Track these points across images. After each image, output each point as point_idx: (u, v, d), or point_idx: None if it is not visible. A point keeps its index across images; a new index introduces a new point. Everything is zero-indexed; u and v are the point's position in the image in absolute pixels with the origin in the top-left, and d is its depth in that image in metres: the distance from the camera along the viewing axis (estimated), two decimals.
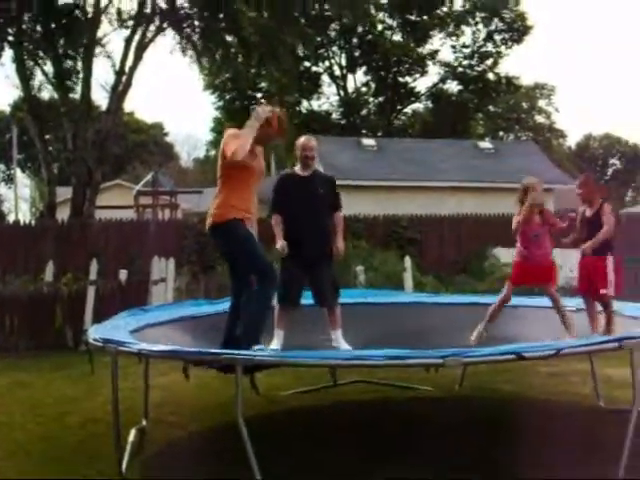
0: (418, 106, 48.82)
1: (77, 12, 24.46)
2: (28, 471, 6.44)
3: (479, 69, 45.67)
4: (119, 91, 23.57)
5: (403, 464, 6.36)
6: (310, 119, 43.87)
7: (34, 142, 25.05)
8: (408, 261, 16.53)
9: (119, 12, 24.83)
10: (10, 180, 54.41)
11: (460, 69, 45.83)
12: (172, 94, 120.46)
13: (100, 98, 37.50)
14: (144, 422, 7.48)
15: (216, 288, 15.08)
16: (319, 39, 42.13)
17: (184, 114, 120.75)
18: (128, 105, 57.48)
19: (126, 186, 42.83)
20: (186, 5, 25.12)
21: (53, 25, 23.97)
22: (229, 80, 40.89)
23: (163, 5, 24.49)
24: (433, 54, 45.74)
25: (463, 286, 18.03)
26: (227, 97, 44.78)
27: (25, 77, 24.00)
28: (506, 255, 20.21)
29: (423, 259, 20.71)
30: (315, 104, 47.46)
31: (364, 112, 47.11)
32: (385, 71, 45.07)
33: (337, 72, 46.47)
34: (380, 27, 45.37)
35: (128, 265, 16.82)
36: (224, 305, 7.73)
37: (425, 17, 44.02)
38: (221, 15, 24.74)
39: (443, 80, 46.71)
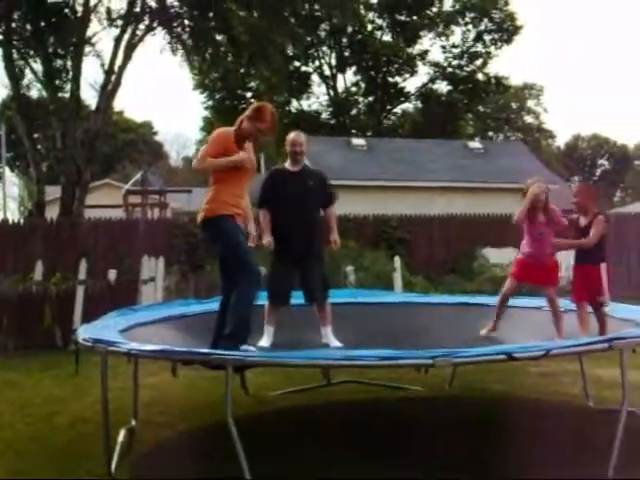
0: (408, 106, 48.97)
1: (67, 11, 24.41)
2: (17, 471, 6.41)
3: (468, 69, 45.81)
4: (108, 90, 23.51)
5: (393, 464, 6.36)
6: (300, 119, 43.85)
7: (23, 141, 24.96)
8: (398, 261, 16.54)
9: (108, 11, 24.80)
10: None
11: (450, 69, 45.94)
12: (161, 93, 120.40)
13: (89, 97, 37.30)
14: (133, 422, 7.45)
15: (206, 287, 15.06)
16: (309, 39, 42.15)
17: (173, 113, 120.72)
18: (117, 104, 57.42)
19: (115, 185, 42.73)
20: (176, 4, 25.08)
21: (43, 24, 23.90)
22: (219, 79, 40.83)
23: (153, 4, 24.45)
24: (423, 54, 45.84)
25: (452, 286, 18.06)
26: (217, 96, 44.74)
27: (14, 76, 23.91)
28: (495, 255, 20.29)
29: (412, 259, 20.71)
30: (305, 104, 47.57)
31: (354, 112, 47.16)
32: (375, 71, 45.12)
33: (327, 72, 46.54)
34: (370, 27, 45.46)
35: (117, 264, 16.77)
36: (213, 304, 7.71)
37: (415, 17, 44.10)
38: (211, 14, 24.71)
39: (433, 80, 46.84)
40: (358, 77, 46.74)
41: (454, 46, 45.49)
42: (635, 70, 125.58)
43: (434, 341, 6.89)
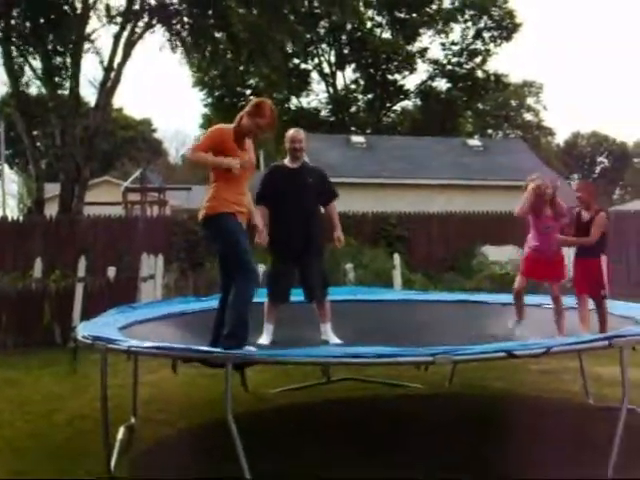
0: (407, 104, 48.98)
1: (66, 8, 24.37)
2: (16, 469, 6.40)
3: (468, 67, 45.82)
4: (108, 87, 23.50)
5: (393, 462, 6.35)
6: (299, 116, 43.83)
7: (22, 138, 24.93)
8: (397, 259, 16.53)
9: (108, 8, 24.76)
10: None
11: (449, 67, 45.95)
12: (161, 90, 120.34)
13: (89, 94, 37.33)
14: (133, 420, 7.45)
15: (205, 285, 15.05)
16: (308, 36, 42.14)
17: (173, 110, 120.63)
18: (117, 101, 57.38)
19: (114, 182, 42.67)
20: (175, 1, 25.05)
21: (42, 21, 23.88)
22: (218, 77, 40.82)
23: (152, 1, 24.42)
24: (422, 52, 45.82)
25: (451, 284, 18.05)
26: (216, 94, 44.72)
27: (13, 73, 23.89)
28: (494, 253, 20.28)
29: (412, 257, 20.70)
30: (304, 101, 47.56)
31: (353, 109, 47.18)
32: (374, 68, 45.11)
33: (326, 69, 46.53)
34: (369, 24, 45.47)
35: (117, 262, 16.76)
36: (213, 302, 7.69)
37: (414, 14, 44.08)
38: (210, 12, 24.68)
39: (432, 78, 46.83)
40: (357, 74, 46.74)
41: (453, 43, 45.52)
42: (635, 68, 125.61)
43: (434, 338, 6.89)
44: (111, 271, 15.27)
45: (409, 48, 45.25)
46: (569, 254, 8.35)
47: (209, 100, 45.62)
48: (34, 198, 25.03)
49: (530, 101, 65.99)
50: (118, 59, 23.44)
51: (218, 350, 5.92)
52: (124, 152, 58.00)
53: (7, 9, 23.07)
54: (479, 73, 45.94)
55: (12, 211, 50.95)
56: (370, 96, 47.11)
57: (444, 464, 6.23)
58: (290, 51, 40.49)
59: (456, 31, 45.30)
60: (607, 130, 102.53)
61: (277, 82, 32.39)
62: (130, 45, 23.66)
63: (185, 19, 25.30)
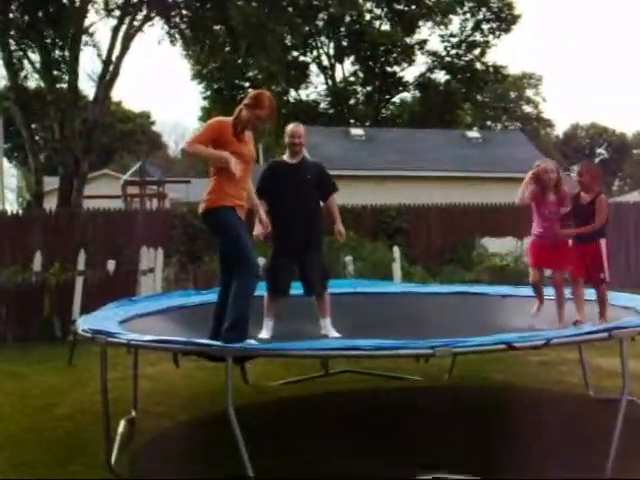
0: (406, 96, 48.92)
1: (64, 1, 24.35)
2: (17, 463, 6.40)
3: (467, 58, 45.77)
4: (106, 80, 23.50)
5: (393, 454, 6.36)
6: (298, 109, 43.82)
7: (20, 131, 24.93)
8: (397, 251, 16.52)
9: (106, 1, 24.73)
10: None
11: (448, 58, 45.89)
12: (159, 83, 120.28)
13: (87, 87, 37.37)
14: (133, 413, 7.46)
15: (205, 278, 15.06)
16: (307, 29, 42.10)
17: (171, 103, 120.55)
18: (115, 94, 57.32)
19: (114, 176, 42.66)
20: None
21: (40, 14, 23.85)
22: (217, 69, 40.81)
23: None
24: (421, 43, 45.73)
25: (451, 276, 18.06)
26: (215, 86, 44.69)
27: (12, 66, 23.87)
28: (494, 245, 20.28)
29: (411, 249, 20.71)
30: (303, 94, 47.49)
31: (352, 102, 47.13)
32: (373, 61, 45.06)
33: (325, 62, 46.48)
34: (368, 17, 45.42)
35: (116, 255, 16.76)
36: (213, 295, 7.69)
37: (413, 6, 44.00)
38: (208, 4, 24.66)
39: (431, 70, 46.77)
40: (356, 67, 46.69)
41: (452, 35, 45.43)
42: (634, 59, 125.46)
43: (434, 331, 6.88)
44: (111, 264, 15.27)
45: (408, 40, 45.18)
46: None
47: (208, 93, 45.62)
48: (33, 192, 25.03)
49: (529, 93, 65.99)
50: (117, 52, 23.46)
51: (218, 343, 5.92)
52: (123, 145, 57.94)
53: (5, 3, 23.04)
54: (478, 65, 45.88)
55: (11, 205, 50.92)
56: (369, 88, 47.06)
57: (444, 456, 6.23)
58: (289, 44, 40.45)
59: (455, 23, 45.29)
60: (606, 121, 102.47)
61: (276, 74, 32.37)
62: (128, 38, 23.65)
63: (184, 12, 25.27)
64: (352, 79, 47.34)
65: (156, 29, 25.38)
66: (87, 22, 24.29)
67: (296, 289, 8.08)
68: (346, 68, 47.03)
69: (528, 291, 8.61)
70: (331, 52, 46.15)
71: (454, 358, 8.44)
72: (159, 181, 32.80)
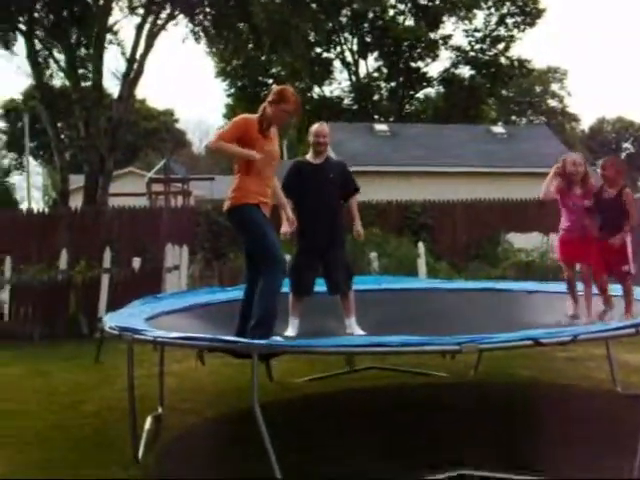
0: (430, 91, 48.77)
1: (89, 0, 24.47)
2: (44, 459, 6.44)
3: (491, 53, 45.58)
4: (130, 78, 23.59)
5: (419, 451, 6.34)
6: (322, 105, 43.80)
7: (46, 130, 25.10)
8: (422, 247, 16.49)
9: None
10: (22, 168, 54.54)
11: (472, 53, 45.72)
12: (183, 81, 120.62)
13: (112, 85, 37.53)
14: (160, 409, 7.47)
15: (230, 275, 15.08)
16: (330, 25, 42.06)
17: (195, 101, 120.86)
18: (140, 92, 57.50)
19: (138, 173, 42.85)
20: None
21: (65, 14, 23.98)
22: (241, 66, 40.87)
23: None
24: (445, 39, 45.57)
25: (477, 272, 17.98)
26: (239, 84, 44.75)
27: (37, 65, 24.03)
28: (520, 241, 20.17)
29: (436, 245, 20.67)
30: (327, 90, 47.44)
31: (376, 97, 47.02)
32: (397, 56, 44.94)
33: (349, 58, 46.37)
34: (391, 12, 45.29)
35: (141, 253, 16.82)
36: (238, 292, 7.71)
37: (437, 1, 43.86)
38: (232, 2, 24.69)
39: (455, 65, 46.61)
40: (380, 62, 46.59)
41: (476, 30, 45.24)
42: None
43: (459, 327, 6.84)
44: (136, 262, 15.33)
45: (432, 35, 45.03)
46: None
47: (232, 90, 45.69)
48: (59, 190, 25.23)
49: (554, 87, 65.69)
50: (141, 50, 23.56)
51: (244, 340, 5.93)
52: (148, 143, 58.19)
53: (31, 3, 23.17)
54: (502, 59, 45.67)
55: (37, 203, 51.46)
56: (393, 84, 46.95)
57: (470, 453, 6.20)
58: (312, 40, 40.44)
59: (479, 17, 45.10)
60: (633, 116, 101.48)
61: (300, 71, 32.38)
62: (152, 36, 23.75)
63: (207, 10, 25.32)
64: (376, 75, 47.26)
65: (180, 27, 25.44)
66: (111, 20, 24.47)
67: (321, 286, 8.08)
68: (370, 64, 47.01)
69: (555, 287, 8.58)
70: (355, 48, 46.08)
71: (480, 354, 8.41)
72: (184, 179, 32.90)
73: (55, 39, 24.60)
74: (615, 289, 7.63)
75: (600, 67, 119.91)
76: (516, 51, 48.13)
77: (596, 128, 79.40)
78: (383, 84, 47.51)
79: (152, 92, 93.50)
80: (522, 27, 44.51)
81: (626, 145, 79.60)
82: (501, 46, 45.39)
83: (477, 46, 45.60)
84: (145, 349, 7.31)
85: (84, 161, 24.41)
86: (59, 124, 28.76)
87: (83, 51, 25.83)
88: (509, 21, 44.55)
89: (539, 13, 44.02)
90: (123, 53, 24.68)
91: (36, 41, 24.12)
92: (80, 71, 25.07)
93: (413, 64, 45.69)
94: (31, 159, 52.08)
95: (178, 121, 68.12)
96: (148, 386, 7.78)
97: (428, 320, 8.04)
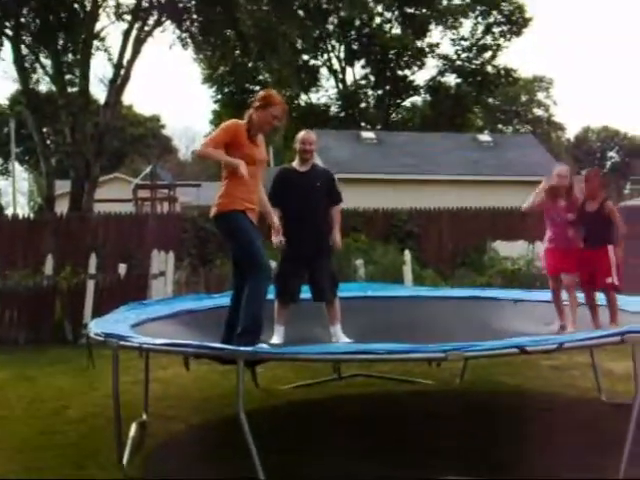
0: (417, 99, 48.82)
1: (76, 6, 24.42)
2: (30, 466, 6.42)
3: (478, 62, 45.69)
4: (117, 84, 23.54)
5: (404, 458, 6.34)
6: (309, 112, 43.80)
7: (32, 135, 25.02)
8: (408, 255, 16.50)
9: (118, 5, 24.78)
10: (8, 173, 54.41)
11: (459, 62, 45.83)
12: (170, 87, 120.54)
13: (98, 91, 37.48)
14: (144, 416, 7.46)
15: (216, 281, 15.07)
16: (317, 32, 42.10)
17: (182, 107, 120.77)
18: (126, 98, 57.40)
19: (124, 179, 42.82)
20: None
21: (52, 19, 23.92)
22: (228, 73, 40.85)
23: None
24: (432, 47, 45.66)
25: (463, 280, 18.01)
26: (226, 90, 44.73)
27: (24, 70, 23.96)
28: (506, 249, 20.22)
29: (422, 253, 20.68)
30: (314, 97, 47.46)
31: (363, 105, 47.05)
32: (384, 64, 44.97)
33: (336, 65, 46.41)
34: (378, 20, 45.36)
35: (127, 259, 16.79)
36: (224, 299, 7.72)
37: (424, 10, 43.96)
38: (219, 8, 24.66)
39: (442, 73, 46.69)
40: (367, 70, 46.61)
41: (463, 39, 45.37)
42: None
43: (445, 335, 6.86)
44: (122, 268, 15.30)
45: (419, 43, 45.10)
46: None
47: (219, 96, 45.64)
48: (44, 195, 25.14)
49: (540, 96, 65.94)
50: (128, 56, 23.48)
51: (230, 347, 5.93)
52: (134, 149, 58.09)
53: (18, 8, 23.11)
54: (489, 68, 45.80)
55: (23, 208, 51.27)
56: (380, 92, 46.98)
57: (454, 460, 6.22)
58: (299, 47, 40.46)
59: (466, 26, 45.22)
60: (617, 125, 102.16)
61: (287, 78, 32.38)
62: (139, 42, 23.69)
63: (194, 16, 25.29)
64: (363, 82, 47.28)
65: (167, 34, 25.37)
66: (98, 26, 24.38)
67: (307, 293, 8.08)
68: (357, 71, 47.03)
69: (540, 295, 8.61)
70: (342, 55, 46.11)
71: (466, 362, 8.43)
72: (170, 185, 32.89)
73: (42, 44, 24.51)
74: (599, 299, 7.68)
75: (586, 76, 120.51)
76: (502, 60, 48.27)
77: (581, 137, 79.69)
78: (370, 92, 47.53)
79: (139, 98, 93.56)
80: (508, 36, 44.68)
81: (611, 154, 79.91)
82: (487, 55, 45.53)
83: (464, 55, 45.73)
84: (130, 355, 7.29)
85: (70, 167, 24.33)
86: (45, 129, 28.70)
87: (70, 57, 25.76)
88: (496, 30, 44.70)
89: (525, 22, 44.18)
90: (110, 59, 24.64)
91: (23, 46, 24.04)
92: (67, 77, 25.00)
93: (400, 72, 45.73)
94: (17, 164, 51.99)
95: (165, 127, 68.14)
96: (133, 393, 7.77)
97: (414, 328, 8.06)
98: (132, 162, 56.67)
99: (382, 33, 44.52)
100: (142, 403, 7.54)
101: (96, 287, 14.06)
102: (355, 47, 45.49)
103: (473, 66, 45.62)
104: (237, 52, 28.91)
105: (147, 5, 24.10)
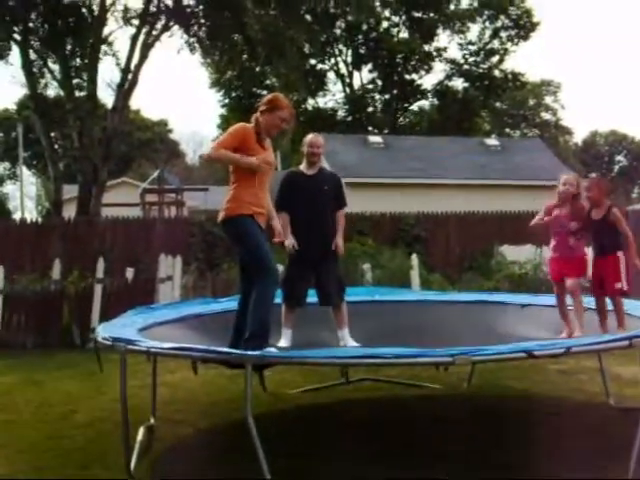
0: (424, 103, 48.87)
1: (84, 11, 24.49)
2: (37, 470, 6.42)
3: (485, 66, 45.76)
4: (125, 89, 23.59)
5: (412, 462, 6.34)
6: (316, 116, 43.86)
7: (40, 140, 25.08)
8: (415, 259, 16.50)
9: (125, 10, 24.84)
10: (16, 178, 54.54)
11: (466, 66, 45.90)
12: (178, 91, 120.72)
13: (106, 96, 37.55)
14: (152, 420, 7.46)
15: (223, 285, 15.07)
16: (325, 36, 42.15)
17: (189, 111, 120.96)
18: (134, 103, 57.56)
19: (132, 184, 42.89)
20: (192, 3, 25.09)
21: (60, 24, 23.99)
22: (235, 77, 40.91)
23: (169, 2, 24.47)
24: (439, 51, 45.70)
25: (470, 284, 17.98)
26: (233, 94, 44.79)
27: (32, 75, 24.03)
28: (513, 253, 20.18)
29: (430, 257, 20.66)
30: (321, 101, 47.53)
31: (370, 109, 47.10)
32: (391, 68, 45.05)
33: (343, 69, 46.49)
34: (386, 24, 45.42)
35: (135, 263, 16.80)
36: (232, 303, 7.71)
37: (431, 14, 43.99)
38: (227, 13, 24.70)
39: (449, 77, 46.75)
40: (374, 74, 46.69)
41: (471, 43, 45.46)
42: None
43: (452, 339, 6.86)
44: (129, 272, 15.32)
45: (426, 48, 45.16)
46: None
47: (226, 101, 45.71)
48: (52, 200, 25.20)
49: (548, 100, 65.87)
50: (135, 61, 23.53)
51: (238, 351, 5.93)
52: (141, 153, 58.17)
53: (26, 13, 23.18)
54: (496, 72, 45.87)
55: (30, 213, 51.40)
56: (387, 96, 47.05)
57: (462, 464, 6.21)
58: (307, 51, 40.51)
59: (473, 31, 45.33)
60: (625, 129, 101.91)
61: (295, 82, 32.39)
62: (147, 47, 23.74)
63: (202, 21, 25.34)
64: (370, 87, 47.35)
65: (175, 38, 25.43)
66: (106, 31, 24.44)
67: (314, 297, 8.08)
68: (364, 76, 47.16)
69: (547, 299, 8.59)
70: (349, 60, 46.20)
71: (473, 366, 8.41)
72: (177, 189, 32.92)
73: (50, 49, 24.59)
74: (609, 304, 7.65)
75: (593, 80, 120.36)
76: (510, 64, 48.26)
77: (589, 141, 79.57)
78: (377, 96, 47.60)
79: (146, 103, 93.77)
80: (516, 40, 44.76)
81: (619, 158, 79.82)
82: (495, 59, 45.59)
83: (471, 59, 45.79)
84: (138, 360, 7.30)
85: (78, 171, 24.39)
86: (53, 134, 28.75)
87: (78, 61, 25.83)
88: (503, 34, 44.77)
89: (533, 26, 44.22)
90: (118, 64, 24.70)
91: (31, 51, 24.12)
92: (75, 81, 25.07)
93: (407, 76, 45.80)
94: (24, 169, 52.11)
95: (172, 132, 68.25)
96: (141, 397, 7.77)
97: (421, 332, 8.05)
98: (139, 166, 56.77)
99: (389, 37, 44.61)
100: (150, 407, 7.54)
101: (104, 291, 14.08)
102: (362, 51, 45.57)
103: (481, 70, 45.68)
104: (244, 56, 28.95)
105: (155, 10, 24.17)
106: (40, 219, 24.51)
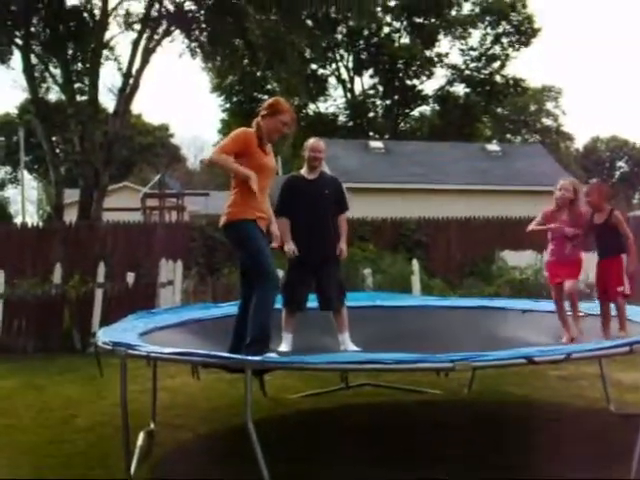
0: (425, 109, 48.90)
1: (85, 15, 24.53)
2: (38, 474, 6.42)
3: (486, 72, 45.77)
4: (126, 93, 23.61)
5: (412, 468, 6.33)
6: (317, 121, 43.86)
7: (41, 144, 25.10)
8: (416, 264, 16.49)
9: (127, 15, 24.89)
10: (17, 182, 54.58)
11: (467, 72, 45.92)
12: (179, 96, 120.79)
13: (107, 100, 37.61)
14: (152, 425, 7.46)
15: (224, 290, 15.06)
16: (326, 42, 42.18)
17: (190, 116, 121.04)
18: (135, 107, 57.59)
19: (133, 188, 42.92)
20: (194, 8, 25.12)
21: (61, 28, 24.03)
22: (236, 82, 40.94)
23: (170, 7, 24.50)
24: (440, 57, 45.74)
25: (471, 289, 17.97)
26: (234, 99, 44.82)
27: (33, 79, 24.06)
28: (514, 258, 20.18)
29: (431, 262, 20.65)
30: (322, 106, 47.54)
31: (371, 115, 47.12)
32: (392, 74, 45.07)
33: (344, 75, 46.51)
34: (387, 30, 45.45)
35: (135, 268, 16.80)
36: (232, 308, 7.72)
37: (433, 20, 44.04)
38: (228, 18, 24.73)
39: (450, 83, 46.77)
40: (375, 80, 46.72)
41: (472, 48, 45.47)
42: None
43: (453, 344, 6.86)
44: (130, 277, 15.31)
45: (427, 53, 45.19)
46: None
47: (227, 105, 45.73)
48: (53, 204, 25.21)
49: (549, 106, 65.90)
50: (137, 65, 23.56)
51: (238, 356, 5.93)
52: (143, 158, 58.19)
53: (27, 17, 23.21)
54: (498, 78, 45.89)
55: (32, 217, 51.35)
56: (388, 101, 47.07)
57: (462, 470, 6.21)
58: (308, 57, 40.55)
59: (475, 36, 45.35)
60: (627, 134, 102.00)
61: (296, 87, 32.42)
62: (148, 52, 23.77)
63: (203, 26, 25.37)
64: (371, 92, 47.38)
65: (176, 43, 25.47)
66: (107, 36, 24.50)
67: (313, 301, 8.08)
68: (365, 81, 47.17)
69: (548, 305, 8.57)
70: (350, 65, 46.22)
71: (474, 372, 8.40)
72: (178, 194, 32.95)
73: (51, 54, 24.62)
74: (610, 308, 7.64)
75: (594, 86, 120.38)
76: (511, 70, 48.21)
77: (590, 147, 79.58)
78: (378, 101, 47.62)
79: (148, 107, 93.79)
80: (517, 46, 44.80)
81: (620, 164, 79.80)
82: (496, 65, 45.61)
83: (472, 64, 45.82)
84: (138, 364, 7.29)
85: (79, 175, 24.41)
86: (54, 138, 28.75)
87: (79, 66, 25.87)
88: (504, 40, 44.81)
89: (534, 32, 44.27)
90: (119, 68, 24.78)
91: (32, 55, 24.15)
92: (76, 86, 25.08)
93: (408, 82, 45.82)
94: (26, 173, 52.14)
95: (173, 136, 68.27)
96: (141, 401, 7.77)
97: (422, 337, 8.04)
98: (141, 171, 56.80)
99: (390, 43, 44.64)
100: (150, 412, 7.54)
101: (104, 296, 14.08)
102: (363, 57, 45.60)
103: (482, 76, 45.71)
104: (246, 61, 28.96)
105: (156, 15, 24.20)
106: (41, 223, 24.60)
